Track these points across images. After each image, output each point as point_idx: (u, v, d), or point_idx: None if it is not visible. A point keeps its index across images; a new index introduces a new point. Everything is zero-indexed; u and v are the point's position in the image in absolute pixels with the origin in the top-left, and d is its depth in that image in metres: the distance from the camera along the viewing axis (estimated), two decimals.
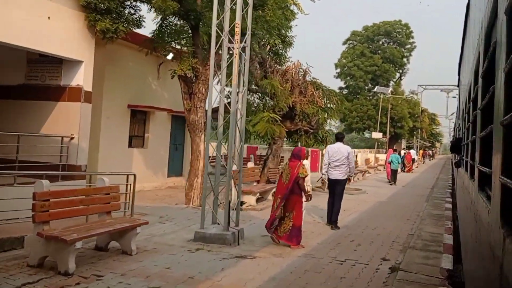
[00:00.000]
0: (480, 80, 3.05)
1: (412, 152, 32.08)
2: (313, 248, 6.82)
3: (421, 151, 49.09)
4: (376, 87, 38.53)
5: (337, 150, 8.67)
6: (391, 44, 47.38)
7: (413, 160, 30.52)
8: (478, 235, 2.83)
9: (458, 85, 12.38)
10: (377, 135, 31.39)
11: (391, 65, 45.66)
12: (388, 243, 7.41)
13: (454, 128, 21.55)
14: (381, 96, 35.95)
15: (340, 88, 47.01)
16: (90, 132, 10.84)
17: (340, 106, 16.44)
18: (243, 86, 7.52)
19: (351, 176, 9.39)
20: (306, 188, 7.68)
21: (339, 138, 9.09)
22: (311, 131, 14.39)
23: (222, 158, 7.48)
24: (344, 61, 45.98)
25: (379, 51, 46.45)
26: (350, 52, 46.13)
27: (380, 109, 35.97)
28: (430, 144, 63.90)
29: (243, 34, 7.34)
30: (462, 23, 7.81)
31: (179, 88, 11.43)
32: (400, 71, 48.49)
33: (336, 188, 8.72)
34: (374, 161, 30.85)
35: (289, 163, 7.20)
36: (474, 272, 3.25)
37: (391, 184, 19.60)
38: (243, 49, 7.41)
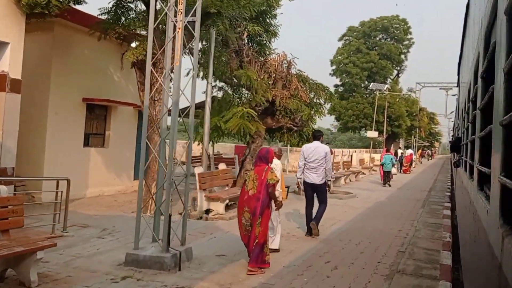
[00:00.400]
0: (479, 80, 3.01)
1: (409, 151, 30.68)
2: (276, 273, 5.40)
3: (419, 151, 47.75)
4: (372, 83, 36.97)
5: (314, 150, 7.61)
6: (389, 40, 45.84)
7: (411, 160, 29.13)
8: (477, 234, 2.80)
9: (458, 85, 12.33)
10: (372, 134, 29.90)
11: (388, 61, 44.08)
12: (373, 265, 6.00)
13: (453, 127, 21.36)
14: (377, 94, 34.38)
15: (336, 86, 45.55)
16: (35, 131, 9.48)
17: (330, 101, 15.08)
18: (193, 70, 6.13)
19: (329, 181, 8.14)
20: (277, 196, 6.36)
21: (316, 136, 7.96)
22: (295, 128, 12.97)
23: (177, 161, 6.18)
24: (339, 57, 44.39)
25: (376, 47, 44.90)
26: (346, 49, 44.59)
27: (375, 107, 34.47)
28: (428, 144, 62.54)
29: (192, 5, 5.93)
30: (462, 22, 7.55)
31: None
32: (398, 68, 46.92)
33: (317, 195, 7.69)
34: (369, 161, 29.45)
35: (254, 167, 5.85)
36: (473, 271, 3.21)
37: (384, 186, 18.28)
38: (193, 25, 6.00)
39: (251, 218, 5.64)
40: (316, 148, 7.61)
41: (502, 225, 1.66)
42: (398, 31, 45.60)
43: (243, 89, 10.94)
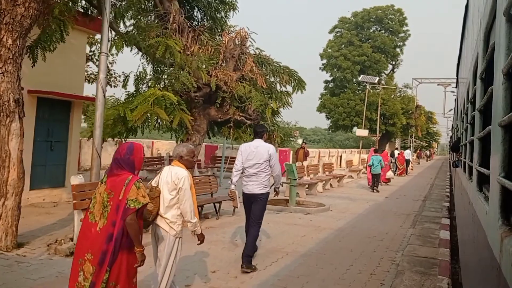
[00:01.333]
0: (478, 81, 3.07)
1: (407, 152, 27.75)
2: None
3: (416, 152, 44.85)
4: (361, 75, 33.77)
5: (254, 150, 5.76)
6: (383, 32, 42.64)
7: (407, 161, 26.17)
8: (476, 235, 2.81)
9: (457, 86, 12.09)
10: (361, 132, 26.84)
11: (383, 55, 40.91)
12: None
13: (452, 127, 20.13)
14: (368, 87, 31.09)
15: (326, 82, 42.48)
16: None
17: (298, 88, 12.10)
18: None
19: (278, 189, 6.10)
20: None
21: (257, 132, 6.00)
22: (248, 122, 9.99)
23: None
24: (329, 50, 41.25)
25: (369, 40, 41.73)
26: (337, 41, 41.41)
27: (366, 101, 31.35)
28: (426, 144, 59.60)
29: None
30: (461, 18, 7.55)
31: (53, 56, 7.42)
32: (393, 62, 43.75)
33: (252, 209, 5.73)
34: (359, 162, 26.45)
35: (107, 179, 3.19)
36: (472, 272, 3.21)
37: (372, 192, 15.40)
38: None
39: (94, 273, 2.91)
40: (256, 149, 5.73)
41: (501, 226, 1.68)
42: (393, 23, 42.41)
43: (162, 65, 7.83)
